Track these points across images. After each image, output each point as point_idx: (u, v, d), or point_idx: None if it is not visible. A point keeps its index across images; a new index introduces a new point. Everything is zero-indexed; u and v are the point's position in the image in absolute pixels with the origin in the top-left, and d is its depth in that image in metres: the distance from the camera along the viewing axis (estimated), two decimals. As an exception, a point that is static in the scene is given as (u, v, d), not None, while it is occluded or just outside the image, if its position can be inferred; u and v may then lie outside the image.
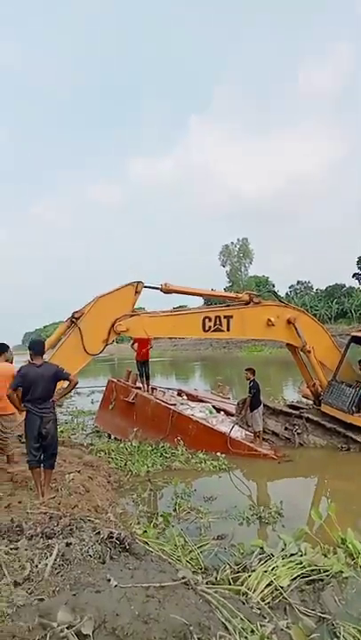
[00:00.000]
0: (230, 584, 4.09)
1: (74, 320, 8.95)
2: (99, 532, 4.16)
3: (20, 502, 5.10)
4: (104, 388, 12.87)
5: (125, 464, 8.59)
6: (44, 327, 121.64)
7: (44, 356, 6.08)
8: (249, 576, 4.14)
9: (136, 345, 12.08)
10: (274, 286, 71.92)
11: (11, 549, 3.87)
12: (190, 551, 4.93)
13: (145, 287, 9.48)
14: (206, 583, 3.91)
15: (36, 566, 3.60)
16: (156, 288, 9.64)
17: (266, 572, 4.20)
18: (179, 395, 13.17)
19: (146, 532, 5.27)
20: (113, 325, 9.05)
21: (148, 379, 12.11)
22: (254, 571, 4.23)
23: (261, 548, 4.77)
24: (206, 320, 9.58)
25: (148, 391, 11.81)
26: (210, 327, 9.59)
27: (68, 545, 3.91)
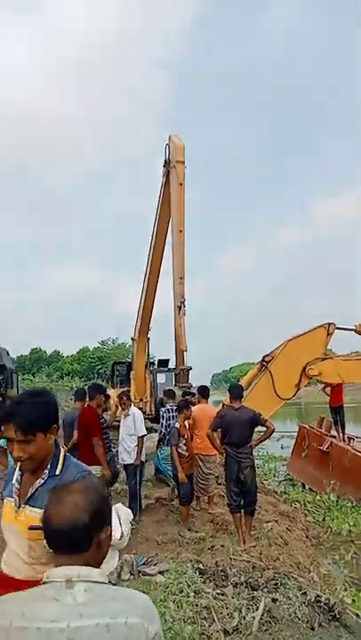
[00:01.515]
0: None
1: (264, 364, 9.02)
2: (305, 593, 3.93)
3: (222, 546, 5.19)
4: (295, 434, 12.43)
5: (324, 519, 8.01)
6: (230, 368, 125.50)
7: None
8: None
9: (328, 389, 11.46)
10: None
11: (218, 594, 3.93)
12: None
13: (337, 329, 9.05)
14: None
15: (244, 617, 3.57)
16: (350, 329, 9.11)
17: None
18: (380, 447, 11.85)
19: (355, 601, 4.76)
20: (304, 369, 8.81)
21: (343, 427, 11.28)
22: None
23: None
24: None
25: (344, 440, 10.97)
26: None
27: (274, 601, 3.79)
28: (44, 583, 1.11)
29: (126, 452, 6.18)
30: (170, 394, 8.30)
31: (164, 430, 7.56)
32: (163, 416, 7.80)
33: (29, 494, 1.76)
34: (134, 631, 1.03)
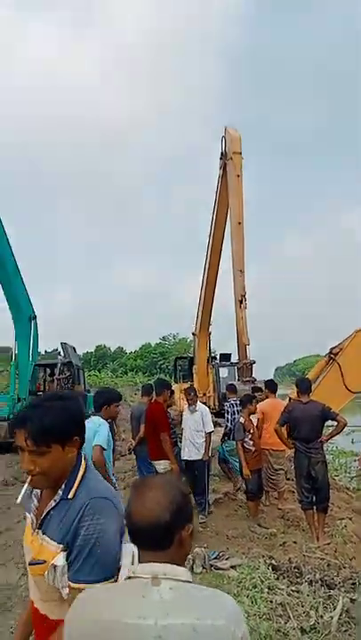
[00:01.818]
0: None
1: (332, 356, 8.70)
2: (385, 595, 3.75)
3: (294, 542, 5.09)
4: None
5: None
6: (295, 361, 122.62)
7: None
8: None
9: None
10: None
11: (292, 591, 3.86)
12: None
13: None
14: None
15: (321, 617, 3.48)
16: None
17: None
18: None
19: None
20: (376, 361, 8.39)
21: None
22: None
23: None
24: None
25: None
26: None
27: (352, 601, 3.66)
28: (129, 578, 1.14)
29: (194, 448, 6.15)
30: (231, 388, 8.34)
31: (229, 425, 7.56)
32: (227, 411, 7.83)
33: (43, 516, 1.46)
34: (220, 633, 1.01)
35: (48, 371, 14.86)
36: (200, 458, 6.07)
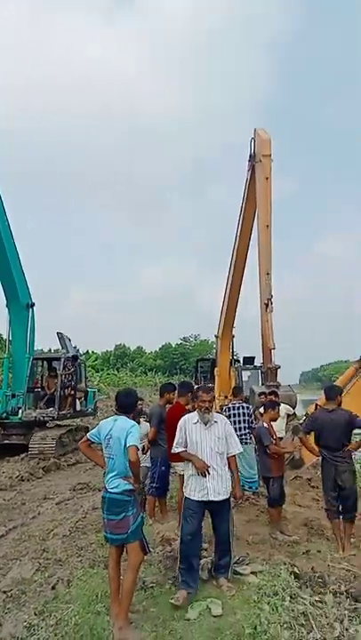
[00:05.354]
0: None
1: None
2: None
3: (318, 552, 4.98)
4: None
5: None
6: (321, 366, 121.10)
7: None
8: None
9: None
10: None
11: (315, 601, 3.77)
12: None
13: None
14: None
15: (346, 630, 3.39)
16: None
17: None
18: None
19: None
20: None
21: None
22: None
23: None
24: None
25: None
26: None
27: (380, 615, 3.55)
28: None
29: (221, 482, 5.34)
30: (238, 391, 8.66)
31: None
32: (233, 413, 7.44)
33: None
34: None
35: (46, 365, 13.90)
36: (228, 496, 4.31)
